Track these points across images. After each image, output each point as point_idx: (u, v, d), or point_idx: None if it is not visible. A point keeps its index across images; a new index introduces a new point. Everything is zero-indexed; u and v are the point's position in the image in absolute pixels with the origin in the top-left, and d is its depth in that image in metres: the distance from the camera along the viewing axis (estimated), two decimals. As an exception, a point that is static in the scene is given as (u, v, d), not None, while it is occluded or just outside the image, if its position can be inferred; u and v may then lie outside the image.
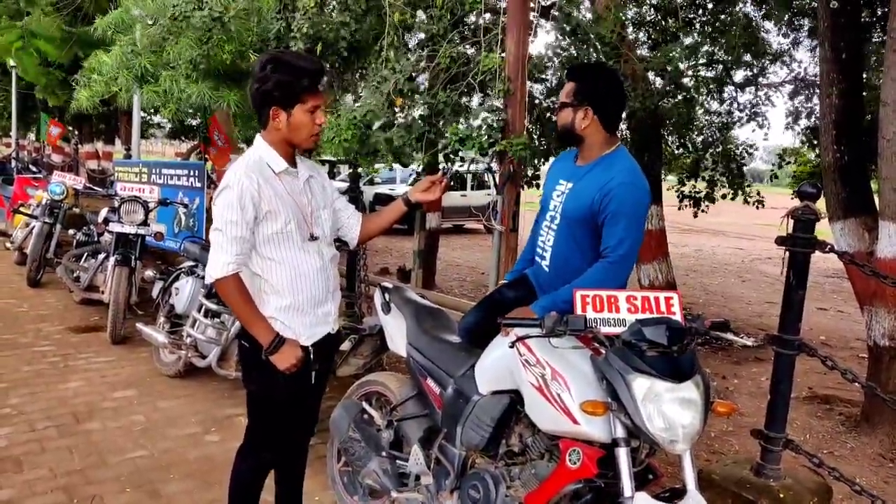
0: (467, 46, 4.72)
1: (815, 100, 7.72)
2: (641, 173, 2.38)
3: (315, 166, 2.43)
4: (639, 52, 6.90)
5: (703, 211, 8.29)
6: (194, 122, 14.48)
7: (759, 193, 8.04)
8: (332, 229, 2.40)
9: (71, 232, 6.90)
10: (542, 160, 6.66)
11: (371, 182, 14.26)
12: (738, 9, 7.11)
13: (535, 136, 6.56)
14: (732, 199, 8.39)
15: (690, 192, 8.31)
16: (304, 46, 4.57)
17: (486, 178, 4.45)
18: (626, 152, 2.44)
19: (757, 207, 7.99)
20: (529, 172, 6.62)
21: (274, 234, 2.18)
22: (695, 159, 8.23)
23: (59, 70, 10.62)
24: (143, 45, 5.23)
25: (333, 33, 4.57)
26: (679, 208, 8.55)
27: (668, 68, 5.47)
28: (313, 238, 2.26)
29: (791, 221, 2.66)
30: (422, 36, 4.82)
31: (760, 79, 8.02)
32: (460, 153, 4.47)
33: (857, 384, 2.72)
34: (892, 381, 3.95)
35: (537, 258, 2.59)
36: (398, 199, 2.55)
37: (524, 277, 2.68)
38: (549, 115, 6.69)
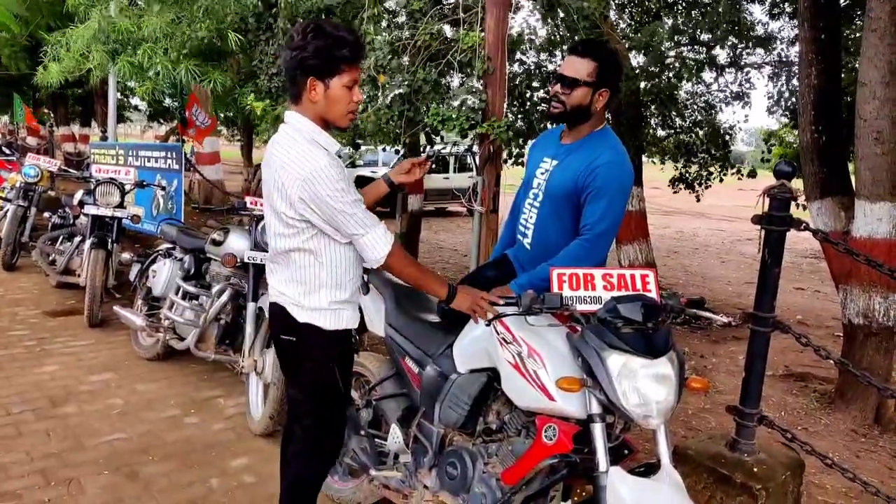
0: (447, 24, 4.67)
1: (789, 79, 7.77)
2: (626, 153, 2.38)
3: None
4: (620, 32, 6.88)
5: (697, 199, 8.33)
6: (172, 104, 14.25)
7: (752, 171, 8.11)
8: None
9: (46, 215, 6.81)
10: (524, 141, 6.65)
11: (353, 164, 14.16)
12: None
13: (516, 117, 6.53)
14: (720, 181, 8.46)
15: (683, 174, 8.36)
16: (283, 26, 4.50)
17: (468, 161, 4.42)
18: (612, 132, 2.44)
19: (751, 176, 8.05)
20: (514, 151, 6.61)
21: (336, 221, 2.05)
22: (678, 141, 8.27)
23: (27, 40, 10.32)
24: (118, 17, 5.10)
25: (316, 8, 4.50)
26: (674, 192, 8.60)
27: (651, 46, 5.47)
28: None
29: (767, 200, 2.67)
30: (400, 11, 4.75)
31: (743, 59, 8.05)
32: (441, 134, 4.44)
33: (830, 361, 2.75)
34: (865, 358, 4.02)
35: (519, 236, 2.58)
36: (379, 180, 2.49)
37: (504, 257, 2.68)
38: (530, 94, 6.66)
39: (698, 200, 8.58)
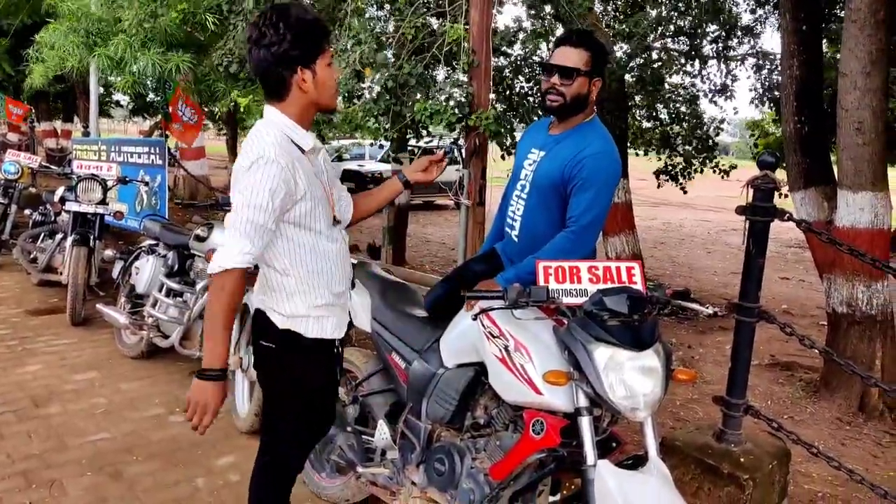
0: (432, 17, 4.64)
1: (771, 72, 7.81)
2: (614, 143, 2.37)
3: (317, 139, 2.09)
4: (606, 23, 6.87)
5: (683, 191, 8.37)
6: (154, 98, 14.07)
7: (730, 167, 8.15)
8: (349, 211, 2.19)
9: (27, 212, 6.71)
10: (512, 132, 6.63)
11: (340, 158, 14.09)
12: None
13: (504, 109, 6.52)
14: (700, 172, 8.50)
15: (667, 167, 8.39)
16: (249, 7, 4.41)
17: (455, 153, 4.40)
18: (600, 122, 2.43)
19: (728, 172, 8.11)
20: (507, 143, 6.60)
21: (305, 221, 1.90)
22: (663, 133, 8.29)
23: (6, 38, 10.17)
24: (96, 8, 5.01)
25: None
26: (658, 186, 8.63)
27: (636, 35, 5.47)
28: (336, 222, 2.03)
29: (751, 191, 2.68)
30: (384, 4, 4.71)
31: (728, 51, 8.07)
32: (428, 128, 4.41)
33: (812, 349, 2.77)
34: (849, 346, 4.06)
35: (507, 228, 2.56)
36: (394, 178, 2.36)
37: (492, 251, 2.66)
38: (517, 87, 6.64)
39: (685, 192, 8.61)
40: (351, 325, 2.90)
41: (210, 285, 1.84)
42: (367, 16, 4.98)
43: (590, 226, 2.29)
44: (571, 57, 2.33)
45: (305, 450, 2.24)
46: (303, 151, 1.91)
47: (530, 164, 2.46)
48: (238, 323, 3.59)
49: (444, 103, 4.02)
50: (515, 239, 2.50)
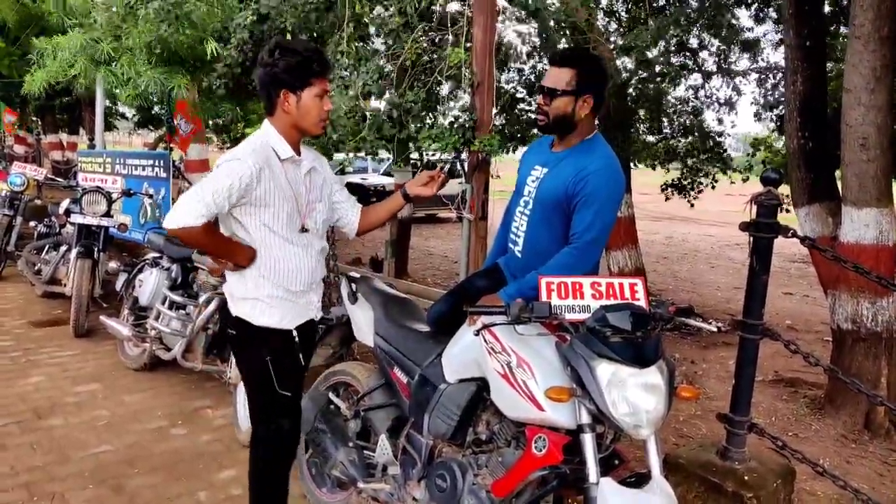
0: (433, 39, 4.66)
1: (775, 87, 7.83)
2: (617, 160, 2.38)
3: (320, 157, 2.46)
4: (609, 38, 6.91)
5: (689, 203, 8.35)
6: (159, 111, 14.18)
7: (748, 167, 8.13)
8: (325, 223, 2.42)
9: (32, 224, 6.75)
10: (511, 149, 6.66)
11: (342, 171, 14.13)
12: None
13: (503, 126, 6.54)
14: (713, 188, 8.48)
15: (675, 181, 8.37)
16: (246, 38, 4.49)
17: (457, 167, 4.41)
18: (603, 139, 2.44)
19: (745, 181, 8.09)
20: (505, 157, 6.61)
21: (266, 220, 2.20)
22: (666, 147, 8.29)
23: (9, 43, 10.27)
24: (105, 31, 5.07)
25: (297, 20, 4.49)
26: (666, 199, 8.61)
27: (637, 48, 5.49)
28: (304, 230, 2.28)
29: (755, 207, 2.68)
30: (384, 30, 4.74)
31: (730, 65, 8.10)
32: (431, 150, 4.43)
33: (816, 366, 2.76)
34: (854, 363, 4.03)
35: (510, 244, 2.57)
36: (396, 194, 2.56)
37: (496, 267, 2.66)
38: (518, 104, 6.67)
39: (692, 206, 8.61)
40: (352, 338, 2.92)
41: (174, 237, 2.20)
42: (367, 45, 5.02)
43: (593, 242, 2.29)
44: (553, 76, 2.36)
45: (290, 408, 2.41)
46: (280, 159, 2.21)
47: (533, 181, 2.47)
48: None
49: (447, 128, 4.03)
50: (518, 254, 2.50)
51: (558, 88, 2.33)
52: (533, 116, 7.30)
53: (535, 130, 7.21)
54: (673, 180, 8.38)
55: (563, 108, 2.34)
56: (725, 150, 8.15)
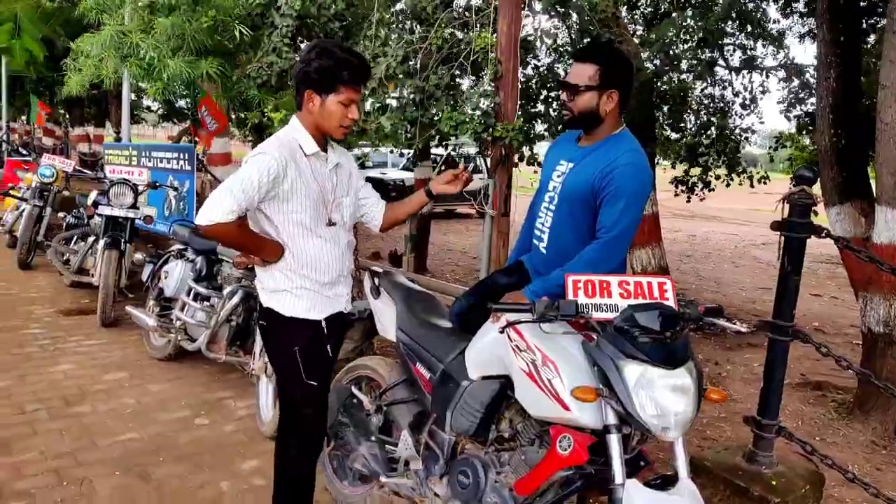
0: (458, 27, 4.64)
1: (804, 85, 7.69)
2: (645, 155, 2.35)
3: (346, 153, 2.49)
4: (631, 30, 6.83)
5: (700, 199, 8.31)
6: (184, 104, 14.32)
7: (764, 176, 8.05)
8: (352, 217, 2.45)
9: (61, 215, 6.87)
10: (533, 143, 6.62)
11: (363, 166, 14.18)
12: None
13: (529, 120, 6.50)
14: (727, 185, 8.38)
15: (684, 177, 8.29)
16: (291, 23, 4.47)
17: (479, 162, 4.39)
18: (630, 134, 2.40)
19: (763, 182, 8.01)
20: (526, 154, 6.58)
21: (292, 213, 2.22)
22: (689, 143, 8.20)
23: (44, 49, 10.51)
24: (134, 25, 5.12)
25: (324, 11, 4.49)
26: (675, 194, 8.54)
27: (663, 43, 5.42)
28: (331, 223, 2.31)
29: (786, 206, 2.62)
30: (411, 15, 4.72)
31: (757, 61, 7.97)
32: (454, 137, 4.41)
33: (850, 371, 2.70)
34: (885, 367, 3.93)
35: (534, 240, 2.54)
36: (420, 191, 2.60)
37: (519, 264, 2.64)
38: (543, 97, 6.62)
39: (701, 200, 8.53)
40: (374, 332, 2.92)
41: (207, 236, 2.16)
42: (393, 27, 5.00)
43: (620, 237, 2.26)
44: (577, 72, 2.35)
45: (311, 425, 2.42)
46: (305, 154, 2.24)
47: (558, 176, 2.44)
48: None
49: (470, 113, 4.01)
50: (543, 251, 2.48)
51: (581, 84, 2.31)
52: (554, 111, 7.27)
53: (559, 126, 7.17)
54: (681, 177, 8.32)
55: (586, 103, 2.32)
56: (739, 153, 8.09)
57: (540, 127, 7.38)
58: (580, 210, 2.34)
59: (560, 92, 2.43)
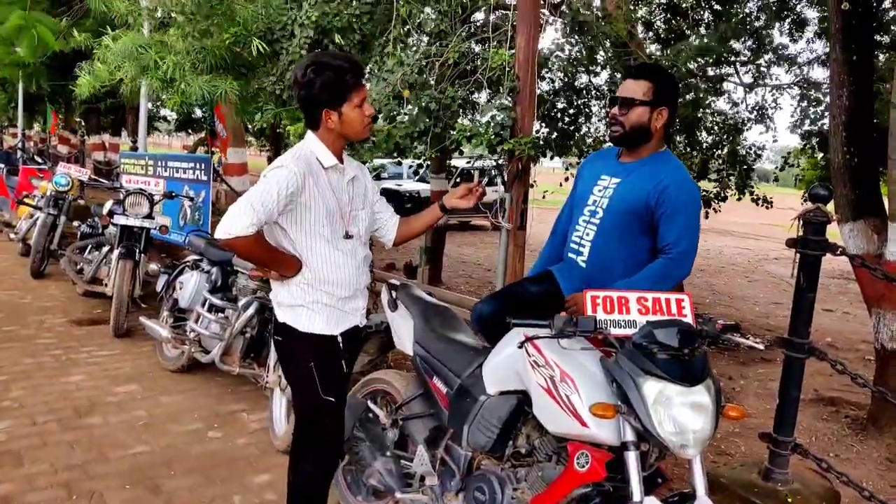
0: (476, 43, 4.67)
1: (814, 103, 7.68)
2: (689, 173, 2.43)
3: (361, 167, 2.51)
4: (647, 50, 6.86)
5: (714, 211, 8.31)
6: (200, 114, 14.44)
7: (765, 198, 8.06)
8: (368, 230, 2.47)
9: (75, 224, 6.89)
10: (549, 157, 6.63)
11: (377, 177, 14.24)
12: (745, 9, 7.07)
13: (547, 135, 6.53)
14: (738, 199, 8.37)
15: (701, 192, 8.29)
16: (311, 36, 4.51)
17: (494, 175, 4.41)
18: (672, 154, 2.49)
19: (768, 207, 8.00)
20: (542, 165, 6.60)
21: (310, 226, 2.23)
22: (702, 160, 8.20)
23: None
24: (153, 40, 5.17)
25: (344, 23, 4.52)
26: None
27: (677, 65, 5.44)
28: (348, 236, 2.32)
29: (801, 223, 2.63)
30: (428, 31, 4.76)
31: (767, 80, 7.98)
32: (466, 149, 4.41)
33: (864, 387, 2.68)
34: (900, 384, 3.91)
35: (571, 254, 2.56)
36: (434, 205, 2.62)
37: (548, 274, 2.66)
38: (557, 112, 6.65)
39: (706, 217, 8.52)
40: (391, 346, 2.93)
41: (227, 248, 2.18)
42: (410, 41, 5.03)
43: (687, 252, 2.33)
44: (630, 88, 2.41)
45: (328, 440, 2.41)
46: (323, 167, 2.25)
47: (601, 191, 2.49)
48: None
49: (484, 124, 4.03)
50: (582, 264, 2.50)
51: (636, 98, 2.38)
52: (578, 125, 7.28)
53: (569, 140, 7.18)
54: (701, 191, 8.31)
55: (638, 118, 2.39)
56: (751, 168, 8.10)
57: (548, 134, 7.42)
58: (630, 224, 2.39)
59: (609, 109, 2.49)
